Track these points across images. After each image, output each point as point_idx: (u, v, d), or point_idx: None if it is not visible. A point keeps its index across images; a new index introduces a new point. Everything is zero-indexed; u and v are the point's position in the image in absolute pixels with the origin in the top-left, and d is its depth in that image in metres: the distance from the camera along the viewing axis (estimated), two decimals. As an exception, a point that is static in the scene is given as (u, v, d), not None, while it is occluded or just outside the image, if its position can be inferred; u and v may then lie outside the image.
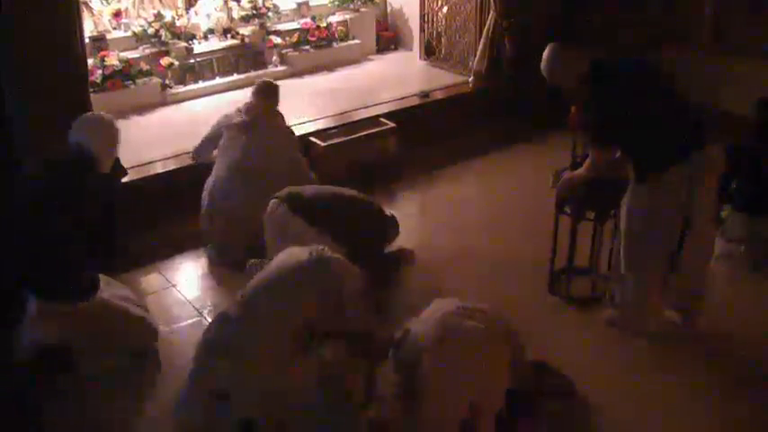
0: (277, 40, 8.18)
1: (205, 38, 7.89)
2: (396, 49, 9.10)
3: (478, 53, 7.48)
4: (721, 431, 3.76)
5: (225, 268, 5.19)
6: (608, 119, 4.04)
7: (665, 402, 3.94)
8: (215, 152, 5.48)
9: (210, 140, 5.55)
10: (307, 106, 7.24)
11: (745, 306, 4.69)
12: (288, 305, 3.65)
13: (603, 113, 4.06)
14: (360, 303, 3.83)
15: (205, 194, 5.34)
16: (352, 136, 6.45)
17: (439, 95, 7.46)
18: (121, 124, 6.54)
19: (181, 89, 7.53)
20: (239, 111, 5.41)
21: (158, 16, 7.55)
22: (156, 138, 6.48)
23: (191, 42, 7.71)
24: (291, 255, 3.85)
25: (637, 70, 4.16)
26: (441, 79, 7.89)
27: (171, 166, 5.93)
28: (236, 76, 7.84)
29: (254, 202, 5.01)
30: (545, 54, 4.19)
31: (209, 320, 4.63)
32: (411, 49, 8.82)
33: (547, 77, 4.23)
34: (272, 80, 5.88)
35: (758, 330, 4.47)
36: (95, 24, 7.35)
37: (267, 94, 5.54)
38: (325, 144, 6.29)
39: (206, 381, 3.54)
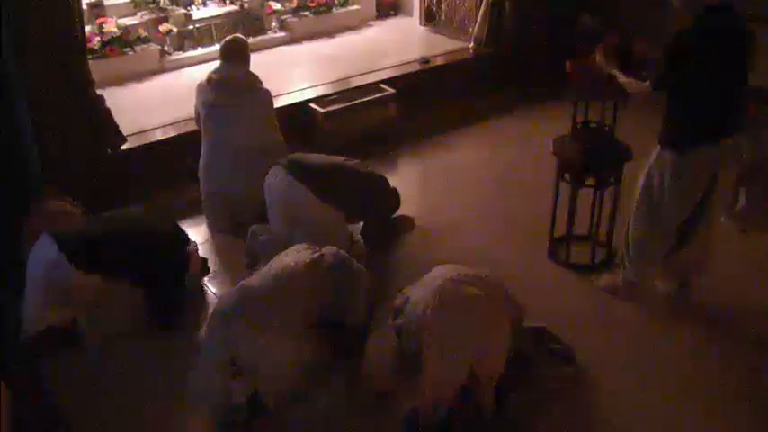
0: (276, 5, 8.12)
1: (204, 4, 7.85)
2: (396, 14, 9.06)
3: (479, 19, 7.43)
4: (720, 398, 3.77)
5: (226, 235, 5.21)
6: (685, 66, 3.77)
7: (664, 368, 3.96)
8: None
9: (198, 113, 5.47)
10: (306, 72, 7.22)
11: (747, 270, 4.70)
12: (308, 290, 3.74)
13: (686, 60, 3.77)
14: (364, 304, 3.92)
15: (199, 176, 5.32)
16: (352, 102, 6.42)
17: (439, 62, 7.42)
18: (120, 91, 6.65)
19: (180, 56, 7.50)
20: (210, 82, 5.17)
21: (157, -18, 7.51)
22: (155, 105, 6.46)
23: (189, 8, 7.68)
24: (320, 250, 3.96)
25: (737, 31, 3.84)
26: (441, 45, 7.84)
27: (171, 133, 5.91)
28: (235, 43, 7.79)
29: (244, 181, 5.04)
30: None
31: (210, 287, 4.68)
32: (411, 15, 8.77)
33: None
34: (237, 35, 5.39)
35: (758, 294, 4.50)
36: (93, -10, 7.31)
37: (234, 57, 5.20)
38: (325, 110, 6.26)
39: (222, 347, 3.56)
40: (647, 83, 3.95)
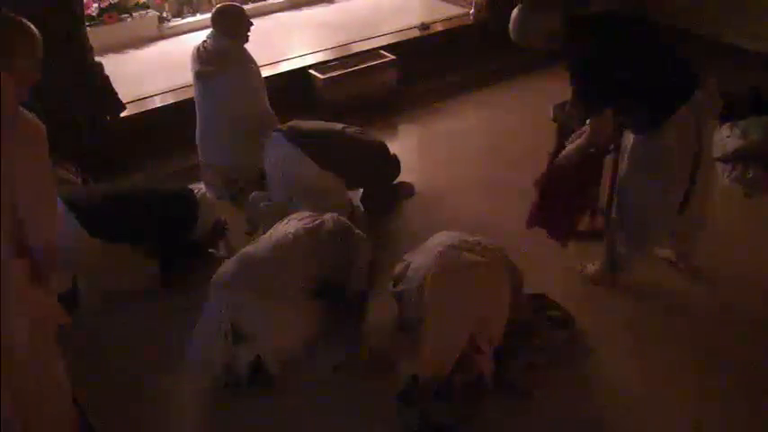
0: (276, -30, 8.06)
1: (202, -31, 7.78)
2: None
3: (480, -16, 7.39)
4: (719, 361, 3.80)
5: (225, 202, 5.21)
6: (599, 78, 3.71)
7: (664, 333, 3.99)
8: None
9: None
10: (306, 38, 7.19)
11: (748, 234, 4.72)
12: (309, 257, 3.77)
13: (592, 73, 3.72)
14: (365, 271, 3.96)
15: (197, 145, 5.31)
16: (352, 69, 6.40)
17: (439, 28, 7.37)
18: (118, 58, 6.62)
19: (178, 22, 7.45)
20: (199, 51, 5.10)
21: (155, -54, 7.44)
22: (153, 72, 6.44)
23: (188, -26, 7.62)
24: (320, 217, 3.99)
25: (613, 19, 3.82)
26: (442, 11, 7.80)
27: (169, 100, 5.90)
28: (233, 9, 7.73)
29: (233, 152, 5.07)
30: (514, 16, 3.82)
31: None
32: (411, -20, 8.70)
33: (516, 41, 3.86)
34: (230, 4, 5.20)
35: (760, 258, 4.51)
36: (90, -45, 7.24)
37: (222, 27, 5.08)
38: (325, 77, 6.23)
39: (223, 316, 3.58)
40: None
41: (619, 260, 4.24)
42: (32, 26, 2.59)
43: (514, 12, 3.81)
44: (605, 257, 4.28)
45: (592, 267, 4.40)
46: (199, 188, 4.65)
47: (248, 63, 5.16)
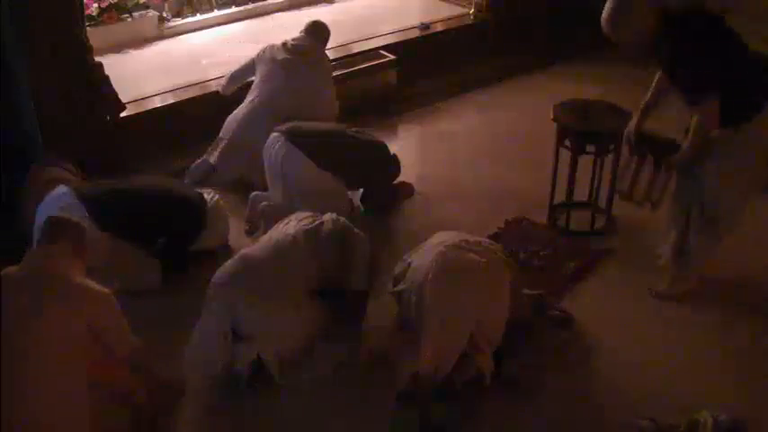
0: (276, -30, 8.07)
1: (202, -31, 7.78)
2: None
3: (480, -16, 7.39)
4: (720, 357, 3.82)
5: (227, 199, 5.19)
6: (704, 63, 3.65)
7: (664, 334, 3.99)
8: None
9: (240, 75, 5.57)
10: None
11: (749, 236, 4.71)
12: (308, 258, 3.78)
13: (699, 60, 3.66)
14: (364, 271, 3.96)
15: (229, 122, 5.33)
16: (353, 68, 6.39)
17: (440, 27, 7.37)
18: (119, 58, 6.62)
19: (179, 22, 7.44)
20: (285, 46, 5.39)
21: (155, -54, 7.43)
22: (153, 72, 6.43)
23: (188, -27, 7.61)
24: (320, 217, 4.01)
25: (707, 19, 3.72)
26: (442, 11, 7.79)
27: (169, 99, 5.89)
28: (234, 9, 7.74)
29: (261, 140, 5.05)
30: (611, 4, 3.69)
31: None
32: (411, -20, 8.69)
33: (610, 32, 3.73)
34: (320, 20, 5.74)
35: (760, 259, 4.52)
36: (90, -45, 7.23)
37: (315, 33, 5.55)
38: (325, 77, 6.23)
39: (222, 317, 3.57)
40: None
41: (691, 256, 4.15)
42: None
43: (610, 2, 3.71)
44: (671, 264, 4.24)
45: (662, 285, 4.28)
46: (212, 196, 4.67)
47: (329, 62, 5.62)
